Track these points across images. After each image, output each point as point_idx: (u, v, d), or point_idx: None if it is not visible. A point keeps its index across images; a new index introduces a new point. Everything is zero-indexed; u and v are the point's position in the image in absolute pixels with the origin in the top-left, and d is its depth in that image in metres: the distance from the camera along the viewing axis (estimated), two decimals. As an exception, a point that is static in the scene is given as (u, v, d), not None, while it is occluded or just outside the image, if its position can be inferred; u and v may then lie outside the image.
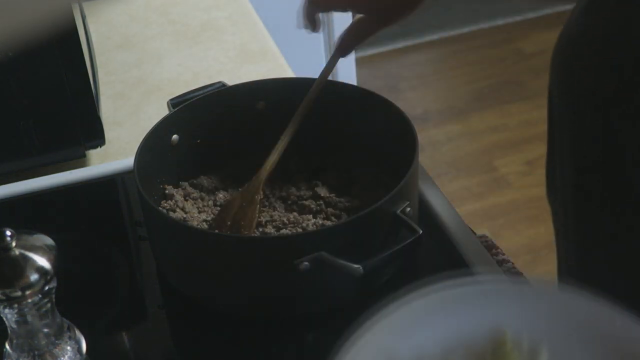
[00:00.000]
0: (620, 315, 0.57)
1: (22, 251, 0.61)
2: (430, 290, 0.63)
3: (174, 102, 0.90)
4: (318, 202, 0.85)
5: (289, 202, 0.86)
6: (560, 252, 0.88)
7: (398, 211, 0.75)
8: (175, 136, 0.88)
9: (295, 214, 0.84)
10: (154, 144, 0.85)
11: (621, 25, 0.68)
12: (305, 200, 0.86)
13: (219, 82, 0.92)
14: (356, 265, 0.70)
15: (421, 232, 0.73)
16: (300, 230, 0.81)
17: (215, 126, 0.91)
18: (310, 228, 0.81)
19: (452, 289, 0.63)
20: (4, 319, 0.64)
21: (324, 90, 0.87)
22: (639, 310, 0.58)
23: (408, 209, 0.76)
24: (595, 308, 0.59)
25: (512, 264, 0.88)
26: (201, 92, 0.90)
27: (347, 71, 2.32)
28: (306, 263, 0.71)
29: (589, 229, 0.77)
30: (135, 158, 0.81)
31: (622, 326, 0.57)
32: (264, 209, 0.85)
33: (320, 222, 0.82)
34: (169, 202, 0.86)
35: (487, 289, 0.64)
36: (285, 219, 0.83)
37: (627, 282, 0.75)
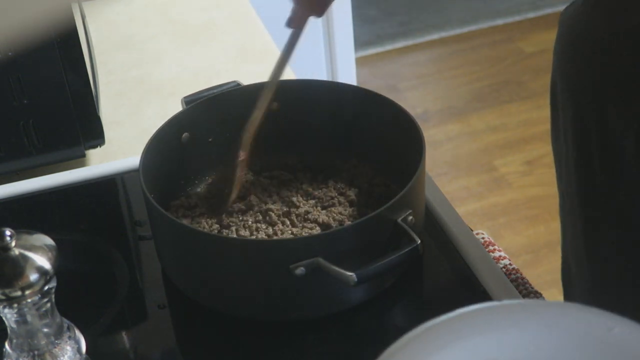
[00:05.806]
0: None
1: (22, 251, 0.61)
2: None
3: (188, 100, 0.89)
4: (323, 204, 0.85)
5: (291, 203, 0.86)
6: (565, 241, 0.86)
7: (399, 219, 0.73)
8: (185, 134, 0.87)
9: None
10: (161, 143, 0.84)
11: (624, 20, 0.67)
12: (308, 201, 0.86)
13: (234, 82, 0.91)
14: (349, 273, 0.69)
15: (419, 242, 0.71)
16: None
17: (228, 125, 0.89)
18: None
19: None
20: (4, 319, 0.64)
21: (327, 91, 0.86)
22: None
23: (410, 217, 0.74)
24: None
25: (510, 261, 0.88)
26: (216, 90, 0.89)
27: (346, 71, 2.31)
28: (302, 268, 0.70)
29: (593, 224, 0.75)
30: (141, 158, 0.80)
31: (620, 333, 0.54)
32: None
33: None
34: (175, 202, 0.86)
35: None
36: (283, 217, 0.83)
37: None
